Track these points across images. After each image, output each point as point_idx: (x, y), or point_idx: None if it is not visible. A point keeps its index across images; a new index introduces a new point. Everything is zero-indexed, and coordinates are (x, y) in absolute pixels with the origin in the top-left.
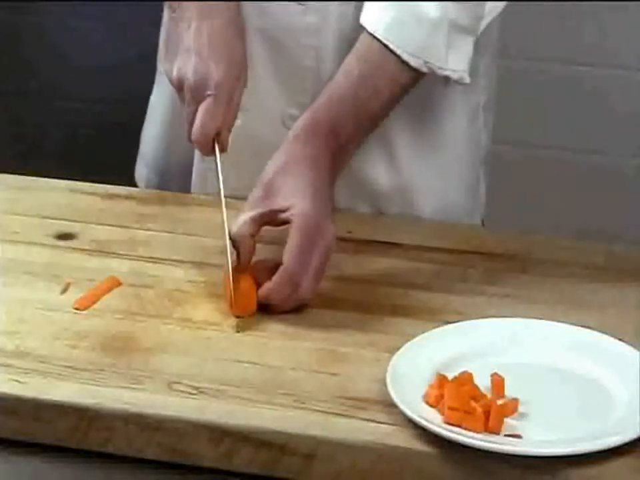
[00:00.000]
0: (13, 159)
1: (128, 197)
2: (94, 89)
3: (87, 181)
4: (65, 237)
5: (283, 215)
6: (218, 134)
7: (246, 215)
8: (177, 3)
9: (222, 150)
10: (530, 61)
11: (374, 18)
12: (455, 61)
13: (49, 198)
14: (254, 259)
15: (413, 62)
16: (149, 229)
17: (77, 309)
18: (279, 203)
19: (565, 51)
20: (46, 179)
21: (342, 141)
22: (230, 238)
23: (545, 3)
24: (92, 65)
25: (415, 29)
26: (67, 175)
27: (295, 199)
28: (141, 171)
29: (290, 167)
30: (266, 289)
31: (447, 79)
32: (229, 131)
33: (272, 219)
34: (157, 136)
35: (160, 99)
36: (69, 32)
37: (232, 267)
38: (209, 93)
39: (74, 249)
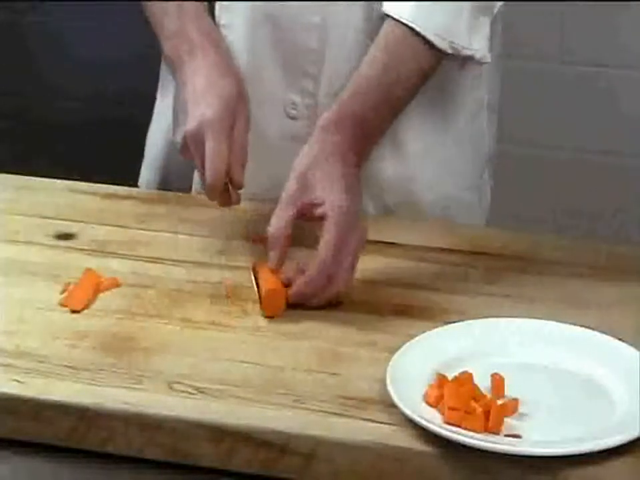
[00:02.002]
0: (13, 159)
1: (128, 197)
2: (94, 89)
3: (86, 181)
4: (64, 236)
5: (320, 210)
6: (231, 177)
7: (282, 213)
8: (174, 62)
9: (236, 197)
10: (535, 61)
11: (397, 5)
12: (478, 41)
13: (49, 198)
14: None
15: (439, 43)
16: (149, 229)
17: (64, 305)
18: (315, 196)
19: (570, 51)
20: (46, 179)
21: (368, 130)
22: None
23: (548, 2)
24: (92, 65)
25: (438, 11)
26: (67, 175)
27: (330, 192)
28: (144, 174)
29: (321, 160)
30: (300, 282)
31: (464, 62)
32: (242, 167)
33: (308, 212)
34: (160, 139)
35: (164, 106)
36: (69, 32)
37: (262, 267)
38: (207, 135)
39: (74, 248)
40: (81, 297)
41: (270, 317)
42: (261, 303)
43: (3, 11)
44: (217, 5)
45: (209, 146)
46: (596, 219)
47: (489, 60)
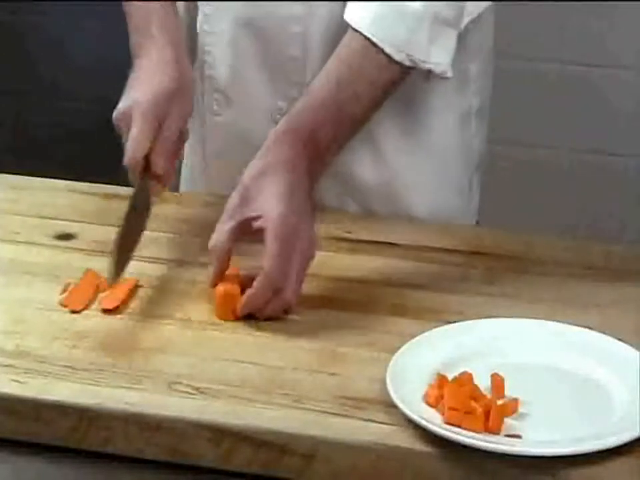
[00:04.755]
0: (13, 159)
1: (128, 197)
2: (94, 89)
3: (86, 181)
4: (64, 237)
5: (258, 223)
6: (150, 166)
7: (223, 227)
8: (135, 53)
9: (157, 186)
10: (528, 61)
11: (357, 14)
12: (438, 55)
13: (49, 198)
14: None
15: (397, 56)
16: (149, 229)
17: (64, 306)
18: (254, 209)
19: (564, 51)
20: (45, 179)
21: (322, 146)
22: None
23: (544, 2)
24: (92, 65)
25: (398, 23)
26: (67, 175)
27: (269, 204)
28: None
29: (267, 171)
30: (247, 295)
31: (428, 74)
32: (164, 159)
33: (248, 227)
34: None
35: None
36: (69, 32)
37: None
38: (133, 117)
39: (74, 249)
40: (81, 297)
41: (223, 319)
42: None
43: (3, 11)
44: (200, 12)
45: (132, 128)
46: (594, 219)
47: (449, 75)
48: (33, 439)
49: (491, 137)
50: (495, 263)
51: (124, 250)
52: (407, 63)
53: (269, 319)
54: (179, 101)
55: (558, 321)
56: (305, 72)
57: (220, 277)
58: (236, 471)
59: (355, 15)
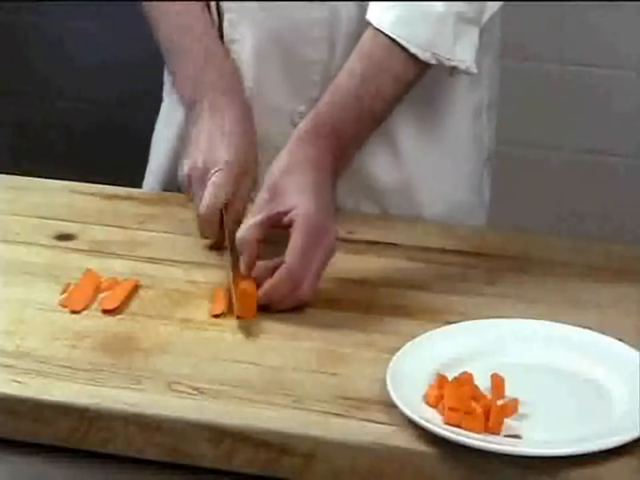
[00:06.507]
0: (13, 159)
1: (128, 197)
2: (94, 89)
3: (86, 181)
4: (64, 237)
5: (287, 217)
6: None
7: (252, 220)
8: (193, 101)
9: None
10: (532, 61)
11: (380, 15)
12: (462, 52)
13: (49, 199)
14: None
15: (421, 55)
16: (149, 229)
17: (64, 306)
18: (283, 204)
19: (567, 51)
20: (45, 179)
21: (344, 141)
22: (235, 242)
23: (546, 2)
24: (92, 65)
25: (421, 22)
26: (67, 175)
27: (297, 200)
28: (148, 180)
29: (293, 168)
30: (266, 286)
31: (453, 71)
32: (233, 222)
33: (277, 221)
34: (165, 145)
35: (171, 109)
36: (68, 32)
37: (234, 270)
38: (217, 169)
39: (73, 249)
40: (80, 298)
41: (241, 318)
42: (233, 304)
43: (2, 11)
44: (226, 21)
45: (214, 180)
46: (595, 219)
47: (474, 70)
48: (32, 439)
49: None
50: (495, 263)
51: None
52: (433, 62)
53: (282, 311)
54: (251, 164)
55: (558, 321)
56: (327, 75)
57: (250, 267)
58: (236, 471)
59: (378, 16)
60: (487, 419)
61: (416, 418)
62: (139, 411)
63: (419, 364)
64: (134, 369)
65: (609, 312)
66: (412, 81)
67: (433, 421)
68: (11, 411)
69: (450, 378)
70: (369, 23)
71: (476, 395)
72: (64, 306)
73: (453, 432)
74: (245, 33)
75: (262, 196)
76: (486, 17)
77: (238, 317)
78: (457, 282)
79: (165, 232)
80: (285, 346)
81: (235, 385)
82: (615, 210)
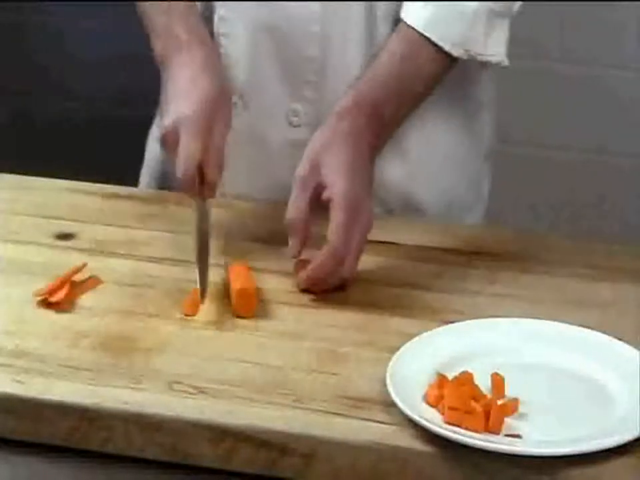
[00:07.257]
0: (13, 159)
1: (128, 197)
2: (95, 88)
3: (86, 180)
4: (64, 236)
5: (326, 193)
6: (205, 176)
7: (297, 200)
8: (162, 58)
9: (210, 194)
10: (535, 61)
11: (414, 14)
12: (494, 46)
13: (49, 198)
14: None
15: (455, 52)
16: (149, 229)
17: (44, 299)
18: (322, 179)
19: (568, 51)
20: (46, 179)
21: (384, 120)
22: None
23: (548, 2)
24: (93, 65)
25: (455, 22)
26: (67, 175)
27: (335, 177)
28: (143, 178)
29: (332, 143)
30: (312, 267)
31: (485, 64)
32: (217, 168)
33: (318, 195)
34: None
35: None
36: (70, 31)
37: (233, 268)
38: (181, 132)
39: (74, 249)
40: (58, 292)
41: (241, 317)
42: (231, 303)
43: (3, 11)
44: (216, 15)
45: (182, 143)
46: (596, 218)
47: (506, 63)
48: (32, 439)
49: None
50: (495, 263)
51: (203, 261)
52: (465, 57)
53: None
54: (222, 105)
55: (558, 321)
56: (323, 72)
57: (302, 247)
58: (236, 470)
59: (412, 14)
60: (487, 418)
61: (416, 417)
62: (139, 410)
63: (419, 363)
64: (134, 369)
65: (609, 311)
66: (449, 64)
67: (433, 420)
68: (11, 411)
69: (450, 377)
70: (368, 25)
71: (476, 394)
72: (44, 302)
73: (453, 431)
74: (236, 28)
75: (301, 172)
76: (516, 6)
77: (237, 316)
78: (456, 281)
79: (165, 231)
80: (285, 346)
81: (235, 384)
82: (615, 210)
